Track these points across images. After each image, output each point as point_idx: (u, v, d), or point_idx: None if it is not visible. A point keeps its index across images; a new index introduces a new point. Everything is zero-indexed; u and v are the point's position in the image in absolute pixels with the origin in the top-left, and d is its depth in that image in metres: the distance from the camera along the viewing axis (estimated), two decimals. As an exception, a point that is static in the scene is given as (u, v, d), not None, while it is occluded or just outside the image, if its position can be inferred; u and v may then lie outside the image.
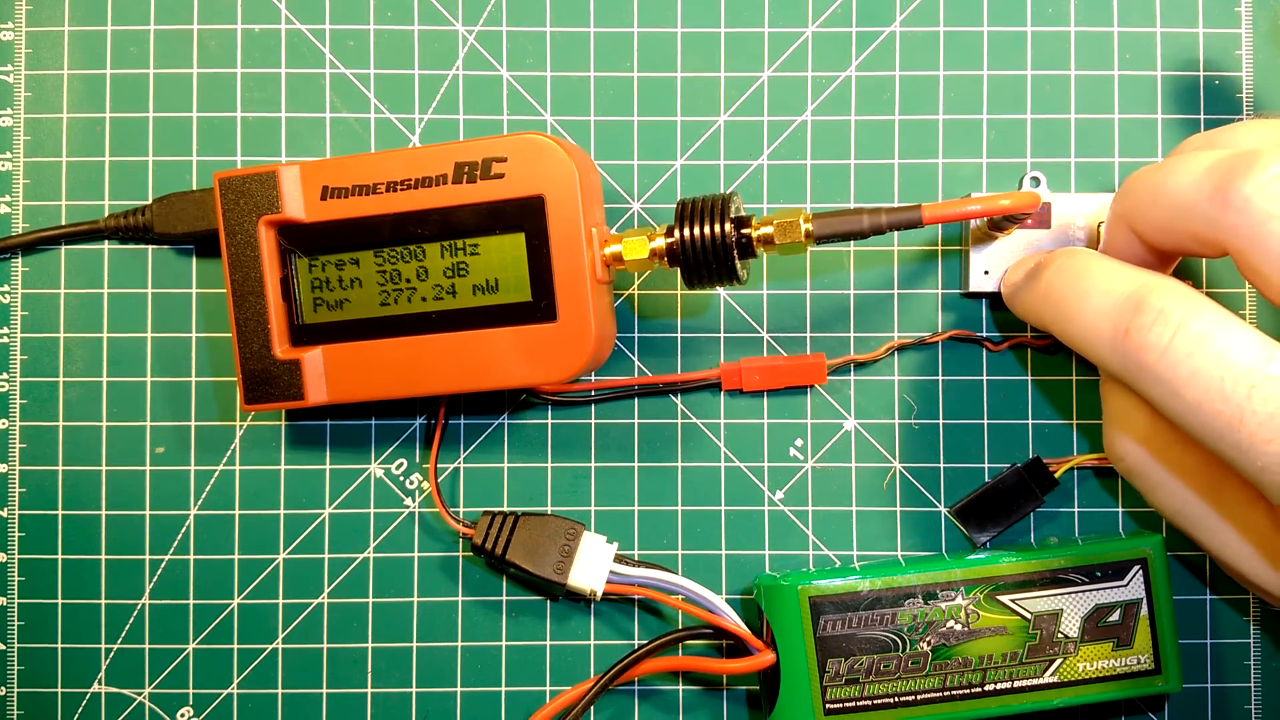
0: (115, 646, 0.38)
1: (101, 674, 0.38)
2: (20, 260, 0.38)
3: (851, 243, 0.38)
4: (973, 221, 0.36)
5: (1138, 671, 0.35)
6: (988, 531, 0.37)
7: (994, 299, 0.38)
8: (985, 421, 0.38)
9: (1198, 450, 0.31)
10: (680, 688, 0.38)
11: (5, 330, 0.38)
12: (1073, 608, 0.35)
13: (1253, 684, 0.38)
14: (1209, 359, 0.27)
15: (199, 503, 0.38)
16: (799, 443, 0.38)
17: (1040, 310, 0.32)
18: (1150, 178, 0.30)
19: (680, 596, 0.36)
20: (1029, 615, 0.35)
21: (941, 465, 0.38)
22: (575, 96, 0.38)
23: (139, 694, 0.38)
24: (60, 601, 0.38)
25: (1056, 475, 0.37)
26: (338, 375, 0.34)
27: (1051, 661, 0.35)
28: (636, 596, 0.37)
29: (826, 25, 0.38)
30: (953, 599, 0.35)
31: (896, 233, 0.37)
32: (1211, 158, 0.28)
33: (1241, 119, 0.38)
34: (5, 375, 0.38)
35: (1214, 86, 0.38)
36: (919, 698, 0.34)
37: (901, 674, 0.34)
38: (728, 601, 0.37)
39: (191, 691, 0.38)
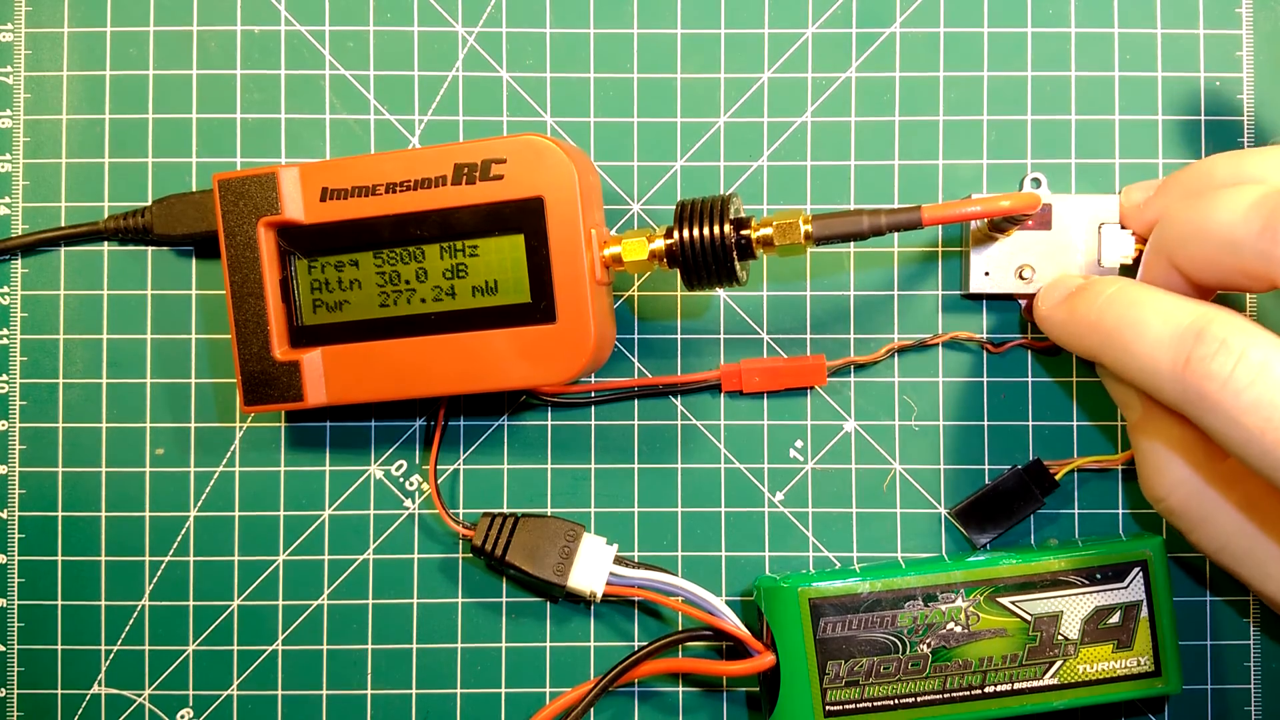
0: (115, 648, 0.38)
1: (101, 675, 0.38)
2: (20, 262, 0.38)
3: (851, 244, 0.38)
4: (973, 223, 0.36)
5: (1138, 673, 0.35)
6: (988, 533, 0.37)
7: (994, 300, 0.38)
8: (985, 423, 0.38)
9: (1242, 485, 0.32)
10: (680, 689, 0.38)
11: (5, 332, 0.38)
12: (1073, 609, 0.35)
13: (1253, 686, 0.37)
14: (1271, 387, 0.27)
15: (199, 504, 0.38)
16: (799, 444, 0.38)
17: (1088, 340, 0.32)
18: (1192, 213, 0.30)
19: (680, 598, 0.36)
20: (1029, 617, 0.34)
21: (941, 467, 0.38)
22: (575, 98, 0.38)
23: (139, 695, 0.38)
24: (60, 603, 0.38)
25: (1057, 477, 0.37)
26: (337, 377, 0.34)
27: (1052, 663, 0.34)
28: (636, 598, 0.37)
29: (826, 26, 0.38)
30: (953, 601, 0.35)
31: (896, 234, 0.37)
32: (1256, 193, 0.29)
33: (1243, 121, 0.38)
34: (5, 377, 0.38)
35: (1215, 88, 0.38)
36: (919, 700, 0.34)
37: (901, 676, 0.34)
38: (728, 603, 0.36)
39: (191, 693, 0.38)
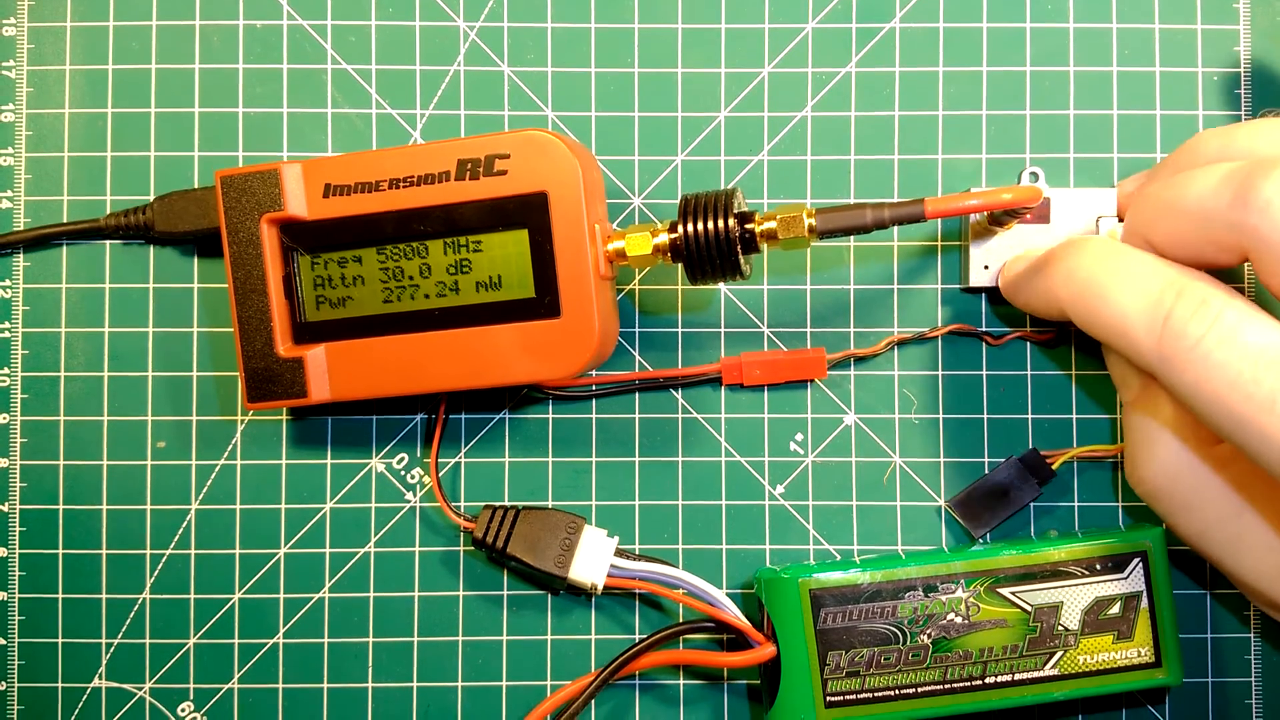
0: (116, 641, 0.38)
1: (102, 669, 0.38)
2: (22, 255, 0.38)
3: (852, 238, 0.38)
4: (972, 217, 0.36)
5: (1138, 664, 0.35)
6: (986, 524, 0.37)
7: (994, 294, 0.38)
8: (985, 416, 0.38)
9: (1231, 469, 0.32)
10: (681, 681, 0.38)
11: (6, 325, 0.38)
12: (1073, 600, 0.35)
13: (1253, 678, 0.38)
14: (1241, 346, 0.27)
15: (200, 497, 0.38)
16: (799, 437, 0.38)
17: (1060, 293, 0.32)
18: (1167, 192, 0.31)
19: (681, 590, 0.36)
20: (1029, 608, 0.35)
21: (941, 460, 0.38)
22: (576, 92, 0.38)
23: (140, 689, 0.38)
24: (61, 596, 0.38)
25: (1054, 467, 0.37)
26: (341, 373, 0.34)
27: (1052, 654, 0.35)
28: (637, 590, 0.38)
29: (827, 21, 0.38)
30: (953, 592, 0.35)
31: (896, 228, 0.38)
32: (1228, 166, 0.29)
33: (1240, 116, 0.38)
34: (6, 370, 0.38)
35: (1212, 82, 0.38)
36: (919, 690, 0.35)
37: (902, 666, 0.35)
38: (728, 595, 0.37)
39: (192, 686, 0.38)
